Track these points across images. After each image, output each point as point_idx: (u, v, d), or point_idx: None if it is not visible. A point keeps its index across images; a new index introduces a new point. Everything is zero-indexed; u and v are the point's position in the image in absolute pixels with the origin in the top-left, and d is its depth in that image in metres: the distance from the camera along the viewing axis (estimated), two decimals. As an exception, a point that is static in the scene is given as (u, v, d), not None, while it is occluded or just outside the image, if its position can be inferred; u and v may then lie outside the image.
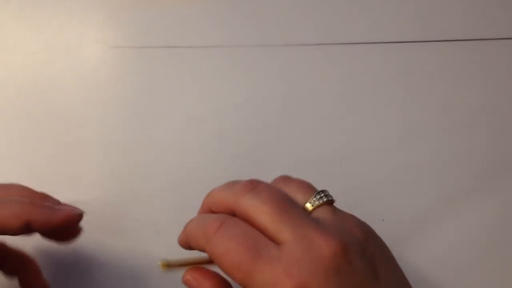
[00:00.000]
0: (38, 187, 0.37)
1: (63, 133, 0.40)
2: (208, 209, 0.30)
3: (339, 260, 0.24)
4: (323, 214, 0.28)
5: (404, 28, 0.41)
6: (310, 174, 0.40)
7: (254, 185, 0.28)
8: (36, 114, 0.40)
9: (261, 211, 0.26)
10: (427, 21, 0.41)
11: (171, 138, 0.40)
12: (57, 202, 0.33)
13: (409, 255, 0.39)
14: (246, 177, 0.40)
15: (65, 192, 0.39)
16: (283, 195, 0.28)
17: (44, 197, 0.33)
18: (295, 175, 0.40)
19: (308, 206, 0.29)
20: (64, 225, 0.30)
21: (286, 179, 0.31)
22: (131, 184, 0.40)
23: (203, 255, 0.28)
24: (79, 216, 0.31)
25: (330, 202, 0.29)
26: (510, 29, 0.41)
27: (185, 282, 0.29)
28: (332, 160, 0.40)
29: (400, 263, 0.37)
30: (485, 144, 0.40)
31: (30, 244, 0.36)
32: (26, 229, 0.29)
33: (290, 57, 0.41)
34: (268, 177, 0.40)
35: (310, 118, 0.40)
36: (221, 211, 0.28)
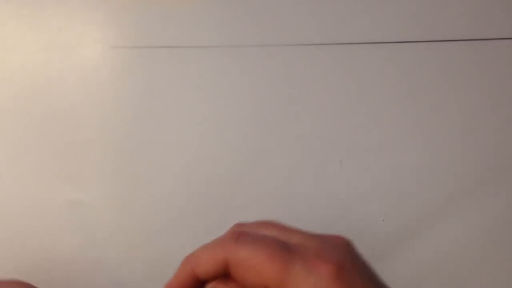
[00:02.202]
0: (38, 187, 0.37)
1: (63, 133, 0.40)
2: (190, 273, 0.27)
3: (354, 250, 0.27)
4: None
5: (405, 28, 0.41)
6: (310, 175, 0.40)
7: (238, 234, 0.27)
8: (36, 114, 0.40)
9: (263, 246, 0.26)
10: (428, 21, 0.41)
11: (171, 138, 0.40)
12: None
13: (409, 255, 0.39)
14: (246, 176, 0.40)
15: (65, 192, 0.39)
16: (272, 237, 0.28)
17: None
18: (295, 175, 0.40)
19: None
20: None
21: (252, 224, 0.30)
22: (131, 184, 0.40)
23: None
24: None
25: None
26: (511, 29, 0.41)
27: None
28: (332, 160, 0.40)
29: (400, 263, 0.38)
30: (485, 144, 0.40)
31: (30, 244, 0.36)
32: None
33: (290, 57, 0.41)
34: (268, 177, 0.40)
35: (310, 118, 0.40)
36: (210, 270, 0.27)
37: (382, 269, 0.39)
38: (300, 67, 0.41)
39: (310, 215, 0.40)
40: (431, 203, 0.40)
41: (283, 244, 0.26)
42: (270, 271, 0.25)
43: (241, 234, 0.27)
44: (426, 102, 0.41)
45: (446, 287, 0.39)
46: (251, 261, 0.25)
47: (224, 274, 0.27)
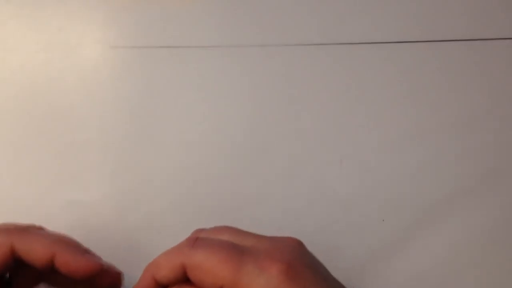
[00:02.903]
0: (38, 187, 0.37)
1: (63, 133, 0.40)
2: (151, 280, 0.29)
3: (303, 249, 0.29)
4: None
5: (405, 28, 0.41)
6: (310, 174, 0.40)
7: (194, 240, 0.29)
8: (36, 114, 0.40)
9: (219, 249, 0.27)
10: (428, 21, 0.41)
11: (171, 138, 0.40)
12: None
13: (409, 255, 0.39)
14: (246, 176, 0.40)
15: (65, 192, 0.39)
16: (226, 241, 0.29)
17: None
18: (295, 175, 0.40)
19: None
20: (92, 273, 0.29)
21: (209, 230, 0.32)
22: (131, 184, 0.40)
23: None
24: (116, 275, 0.31)
25: None
26: (511, 29, 0.41)
27: None
28: (332, 160, 0.40)
29: (400, 263, 0.37)
30: (485, 144, 0.40)
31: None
32: (50, 264, 0.28)
33: (290, 57, 0.41)
34: (267, 177, 0.40)
35: (310, 118, 0.40)
36: (169, 275, 0.28)
37: (382, 269, 0.39)
38: (300, 67, 0.41)
39: (309, 215, 0.40)
40: (431, 203, 0.40)
41: (236, 246, 0.28)
42: (224, 272, 0.26)
43: (196, 239, 0.28)
44: (426, 102, 0.41)
45: (446, 287, 0.39)
46: (206, 264, 0.27)
47: (183, 278, 0.28)
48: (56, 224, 0.39)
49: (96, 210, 0.39)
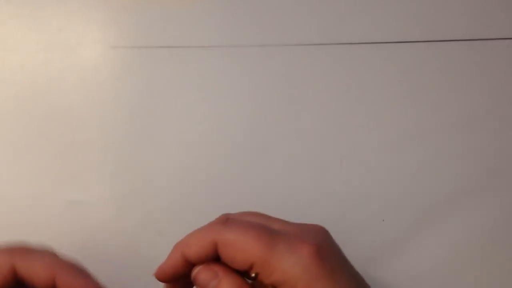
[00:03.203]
0: (38, 187, 0.37)
1: (63, 133, 0.40)
2: (180, 257, 0.29)
3: (329, 235, 0.29)
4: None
5: (405, 28, 0.41)
6: (310, 174, 0.40)
7: (225, 219, 0.30)
8: (36, 114, 0.40)
9: (248, 227, 0.28)
10: (428, 21, 0.41)
11: (171, 138, 0.40)
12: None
13: (409, 255, 0.39)
14: (246, 176, 0.40)
15: (65, 192, 0.39)
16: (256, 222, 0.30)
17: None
18: (295, 175, 0.40)
19: None
20: None
21: (237, 214, 0.32)
22: (131, 184, 0.40)
23: None
24: None
25: None
26: (511, 29, 0.41)
27: (199, 279, 0.29)
28: (332, 160, 0.40)
29: (400, 263, 0.38)
30: (485, 144, 0.40)
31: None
32: (51, 286, 0.28)
33: (290, 57, 0.41)
34: (268, 177, 0.40)
35: (310, 118, 0.40)
36: (200, 252, 0.28)
37: (382, 269, 0.39)
38: (300, 67, 0.41)
39: (310, 215, 0.40)
40: (431, 203, 0.40)
41: (267, 227, 0.28)
42: (255, 250, 0.27)
43: (228, 219, 0.29)
44: (426, 102, 0.41)
45: (446, 287, 0.39)
46: (238, 241, 0.27)
47: (213, 257, 0.28)
48: (56, 224, 0.39)
49: (96, 210, 0.39)
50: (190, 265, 0.29)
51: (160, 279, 0.30)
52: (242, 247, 0.27)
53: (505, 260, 0.40)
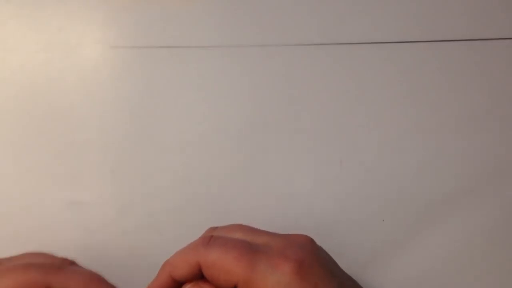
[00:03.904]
0: (38, 187, 0.37)
1: (63, 133, 0.40)
2: (167, 277, 0.30)
3: (315, 246, 0.30)
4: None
5: (405, 28, 0.41)
6: (310, 175, 0.40)
7: (208, 239, 0.30)
8: (36, 114, 0.40)
9: (231, 246, 0.28)
10: (428, 21, 0.41)
11: (171, 138, 0.40)
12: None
13: (409, 255, 0.39)
14: (246, 177, 0.40)
15: (65, 192, 0.39)
16: (239, 239, 0.30)
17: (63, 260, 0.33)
18: (295, 174, 0.40)
19: None
20: None
21: (222, 229, 0.33)
22: (131, 184, 0.40)
23: None
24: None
25: None
26: (511, 29, 0.41)
27: None
28: (332, 160, 0.40)
29: (400, 264, 0.37)
30: (485, 144, 0.40)
31: (30, 245, 0.36)
32: None
33: (290, 57, 0.41)
34: (267, 177, 0.40)
35: (310, 118, 0.40)
36: (185, 273, 0.29)
37: (382, 269, 0.39)
38: (300, 67, 0.41)
39: (309, 215, 0.40)
40: (431, 203, 0.40)
41: (249, 245, 0.28)
42: (237, 270, 0.27)
43: (211, 238, 0.29)
44: (426, 102, 0.41)
45: (446, 287, 0.39)
46: (220, 262, 0.28)
47: (199, 275, 0.29)
48: (56, 224, 0.39)
49: (96, 210, 0.39)
50: (178, 284, 0.30)
51: None
52: (225, 268, 0.27)
53: (505, 260, 0.40)
